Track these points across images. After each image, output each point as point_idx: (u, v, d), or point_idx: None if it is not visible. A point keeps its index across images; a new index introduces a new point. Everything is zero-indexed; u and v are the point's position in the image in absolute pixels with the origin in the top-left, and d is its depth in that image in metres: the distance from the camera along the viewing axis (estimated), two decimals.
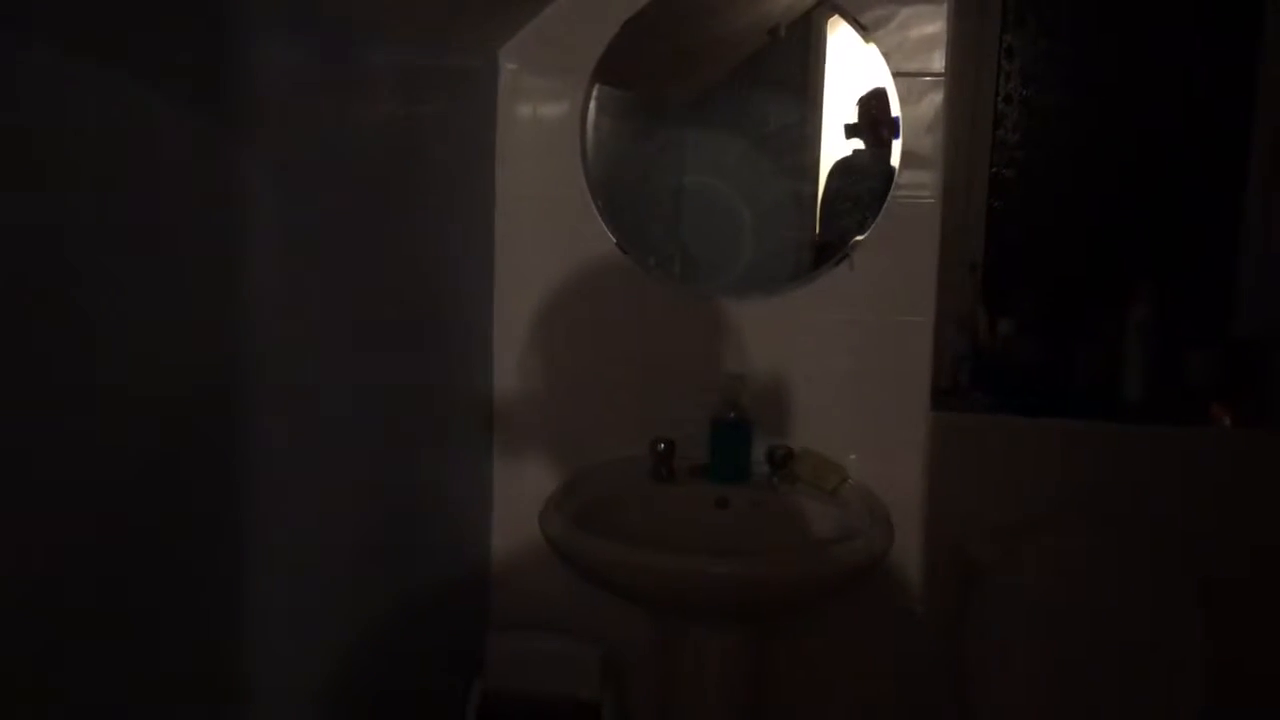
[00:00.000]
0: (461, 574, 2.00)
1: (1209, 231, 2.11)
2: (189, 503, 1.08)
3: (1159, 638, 1.88)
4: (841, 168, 1.98)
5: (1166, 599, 1.89)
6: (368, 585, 1.55)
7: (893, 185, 1.90)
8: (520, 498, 2.04)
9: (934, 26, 1.86)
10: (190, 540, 1.09)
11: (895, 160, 1.90)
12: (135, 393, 0.98)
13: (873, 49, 1.88)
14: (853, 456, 1.95)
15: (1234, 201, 2.07)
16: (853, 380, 1.96)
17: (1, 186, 0.79)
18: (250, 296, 1.18)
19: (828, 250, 1.96)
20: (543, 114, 1.99)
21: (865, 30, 1.87)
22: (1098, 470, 1.97)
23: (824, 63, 1.97)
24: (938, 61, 1.87)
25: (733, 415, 1.92)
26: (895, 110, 1.89)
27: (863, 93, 1.94)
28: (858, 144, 1.97)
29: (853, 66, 1.93)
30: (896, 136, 1.90)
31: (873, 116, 1.95)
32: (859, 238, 1.92)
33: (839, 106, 1.97)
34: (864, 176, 1.95)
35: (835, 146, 1.99)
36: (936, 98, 1.88)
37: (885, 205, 1.90)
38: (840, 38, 1.93)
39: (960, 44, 1.91)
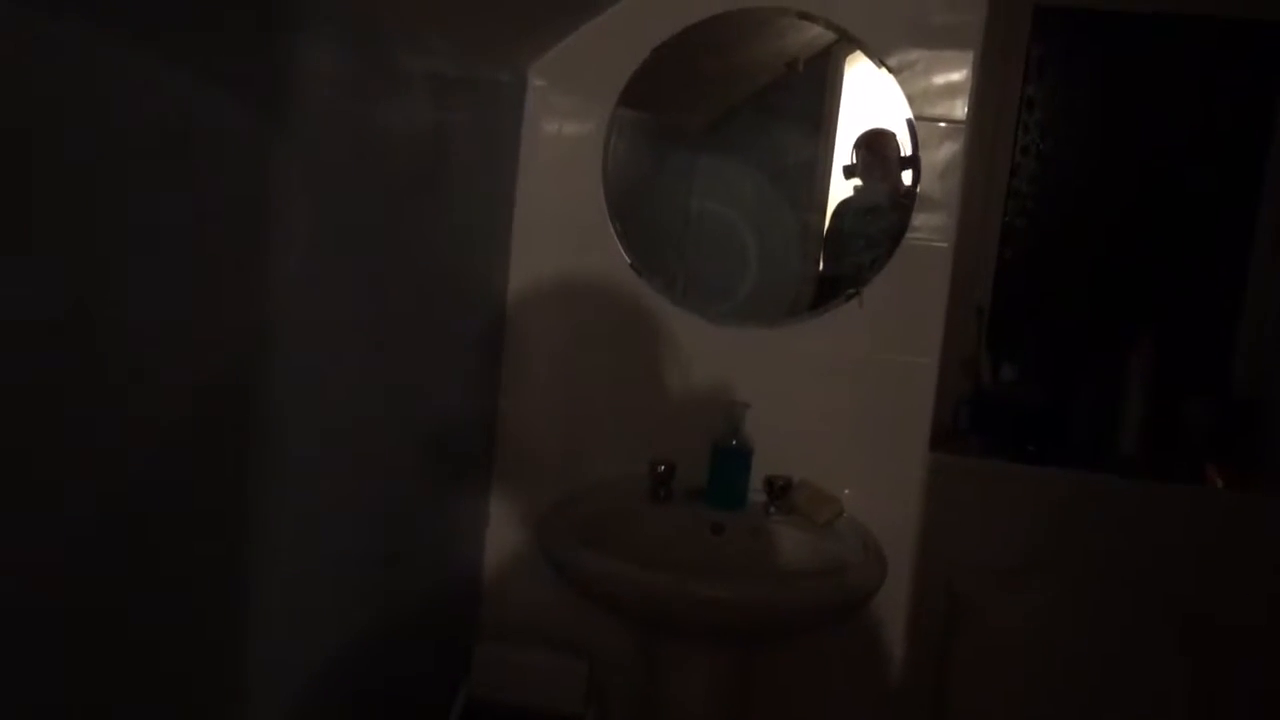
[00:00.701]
0: (454, 582, 2.01)
1: (1213, 293, 2.14)
2: (189, 502, 1.09)
3: (1141, 690, 1.91)
4: (856, 205, 2.01)
5: (1149, 654, 1.91)
6: (362, 590, 1.56)
7: (908, 227, 1.92)
8: (517, 509, 2.06)
9: (958, 74, 1.88)
10: (189, 541, 1.10)
11: (902, 198, 1.92)
12: (146, 391, 0.99)
13: (888, 87, 1.91)
14: (848, 491, 1.97)
15: (1239, 265, 2.10)
16: (854, 415, 1.98)
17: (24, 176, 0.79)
18: (270, 296, 1.20)
19: (837, 285, 1.99)
20: (567, 132, 2.02)
21: (893, 72, 1.89)
22: (1089, 521, 1.99)
23: (839, 99, 2.00)
24: (960, 109, 1.89)
25: (734, 442, 1.94)
26: (905, 149, 1.92)
27: (859, 135, 1.97)
28: (856, 183, 1.99)
29: (868, 104, 1.96)
30: (905, 174, 1.92)
31: (870, 157, 1.97)
32: (871, 276, 1.94)
33: (852, 143, 2.00)
34: (877, 216, 1.97)
35: (846, 182, 2.02)
36: (955, 144, 1.90)
37: (900, 246, 1.92)
38: (857, 75, 1.96)
39: (982, 93, 1.94)
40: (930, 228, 1.93)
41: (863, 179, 1.99)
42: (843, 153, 2.00)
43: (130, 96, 0.90)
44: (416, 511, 1.76)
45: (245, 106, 1.10)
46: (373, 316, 1.48)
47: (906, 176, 1.93)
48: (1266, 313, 2.07)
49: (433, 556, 1.88)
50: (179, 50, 0.96)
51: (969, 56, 1.88)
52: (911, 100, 1.90)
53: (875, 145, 1.97)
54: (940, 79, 1.89)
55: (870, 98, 1.95)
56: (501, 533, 2.10)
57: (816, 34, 1.94)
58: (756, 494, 1.95)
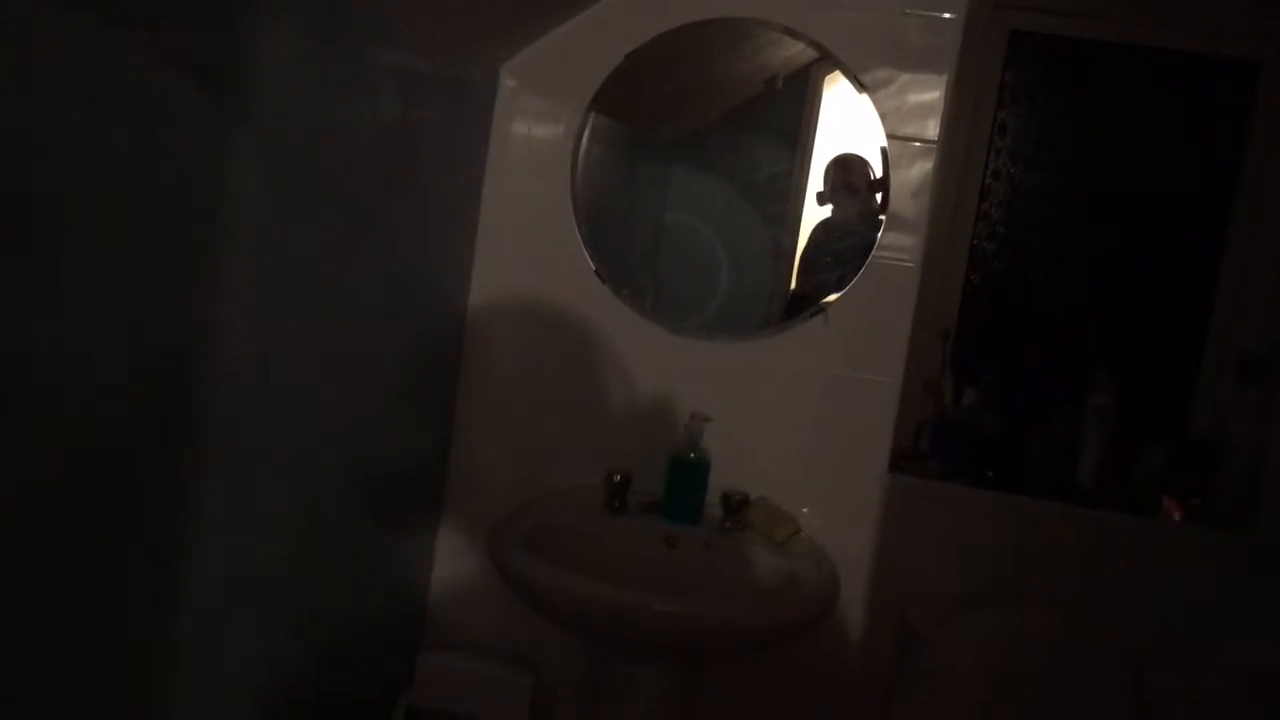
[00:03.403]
0: (401, 594, 1.97)
1: (1175, 330, 2.14)
2: (131, 503, 1.06)
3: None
4: (825, 223, 1.99)
5: (1099, 684, 1.90)
6: (304, 596, 1.52)
7: (875, 246, 1.91)
8: (471, 519, 2.03)
9: (932, 94, 1.88)
10: (129, 542, 1.07)
11: (874, 218, 1.91)
12: (77, 389, 0.95)
13: (864, 110, 1.90)
14: (805, 510, 1.95)
15: (1203, 304, 2.11)
16: (815, 433, 1.96)
17: None
18: (223, 292, 1.17)
19: (803, 301, 1.97)
20: (537, 134, 1.99)
21: (866, 90, 1.88)
22: (1044, 549, 1.98)
23: (817, 118, 1.99)
24: (932, 128, 1.89)
25: (692, 455, 1.91)
26: (876, 173, 1.91)
27: (830, 160, 1.96)
28: (828, 210, 1.98)
29: (844, 125, 1.94)
30: (876, 195, 1.91)
31: (841, 183, 1.96)
32: (836, 294, 1.92)
33: (824, 168, 1.99)
34: (846, 234, 1.96)
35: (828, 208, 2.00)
36: (927, 164, 1.90)
37: (866, 265, 1.91)
38: (835, 96, 1.95)
39: (955, 115, 1.94)
40: (898, 247, 1.91)
41: (834, 204, 1.98)
42: (818, 173, 1.98)
43: (83, 78, 0.87)
44: (362, 521, 1.71)
45: (203, 92, 1.06)
46: (326, 318, 1.45)
47: (879, 199, 1.92)
48: (1226, 354, 2.08)
49: (379, 566, 1.84)
50: (137, 33, 0.93)
51: (943, 78, 1.88)
52: (885, 118, 1.89)
53: (846, 171, 1.96)
54: (914, 98, 1.89)
55: (846, 119, 1.94)
56: (454, 543, 2.06)
57: (796, 52, 1.93)
58: (713, 509, 1.93)
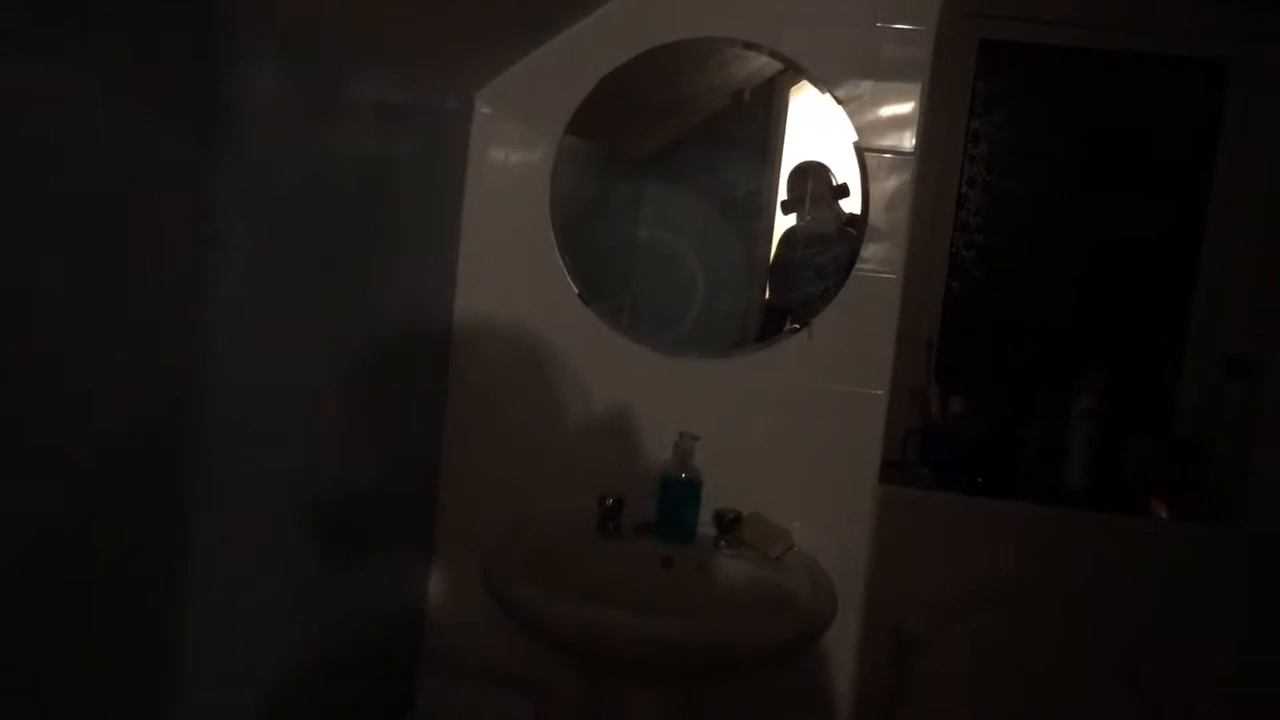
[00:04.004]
0: (397, 619, 1.96)
1: (1158, 329, 2.16)
2: (122, 540, 1.06)
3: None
4: (804, 235, 2.00)
5: (1098, 683, 1.91)
6: (300, 627, 1.51)
7: (857, 258, 1.91)
8: (463, 543, 2.02)
9: (906, 106, 1.89)
10: (121, 580, 1.06)
11: (843, 226, 1.92)
12: (87, 416, 0.96)
13: (833, 116, 1.90)
14: (798, 524, 1.95)
15: (1184, 303, 2.13)
16: (804, 447, 1.96)
17: None
18: (212, 330, 1.17)
19: (787, 316, 1.97)
20: (514, 160, 1.99)
21: (841, 103, 1.89)
22: (1037, 552, 1.99)
23: (784, 129, 1.99)
24: (907, 140, 1.90)
25: (683, 474, 1.91)
26: (837, 179, 1.92)
27: (792, 169, 1.97)
28: (793, 219, 1.99)
29: (814, 134, 1.95)
30: (842, 202, 1.92)
31: (803, 190, 1.97)
32: (822, 307, 1.93)
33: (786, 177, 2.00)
34: (826, 247, 1.96)
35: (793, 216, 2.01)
36: (903, 176, 1.90)
37: (849, 278, 1.92)
38: (803, 104, 1.95)
39: (929, 125, 1.95)
40: (879, 259, 1.92)
41: (798, 212, 1.99)
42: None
43: (67, 126, 0.87)
44: (358, 548, 1.71)
45: (184, 136, 1.06)
46: (313, 351, 1.44)
47: (844, 205, 1.93)
48: (1209, 352, 2.10)
49: (374, 593, 1.83)
50: (115, 79, 0.93)
51: (917, 89, 1.89)
52: (860, 131, 1.90)
53: (807, 179, 1.97)
54: (888, 111, 1.90)
55: (816, 127, 1.94)
56: (448, 568, 2.05)
57: (763, 64, 1.94)
58: (706, 527, 1.93)
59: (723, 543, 1.90)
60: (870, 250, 1.92)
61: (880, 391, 1.93)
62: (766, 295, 2.04)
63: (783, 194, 1.98)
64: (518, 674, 2.01)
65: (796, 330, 1.94)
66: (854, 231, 1.92)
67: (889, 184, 1.91)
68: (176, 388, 1.12)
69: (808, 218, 1.98)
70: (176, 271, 1.09)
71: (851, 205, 1.93)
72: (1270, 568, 1.93)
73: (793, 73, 1.92)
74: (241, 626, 1.33)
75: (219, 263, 1.16)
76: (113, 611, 1.05)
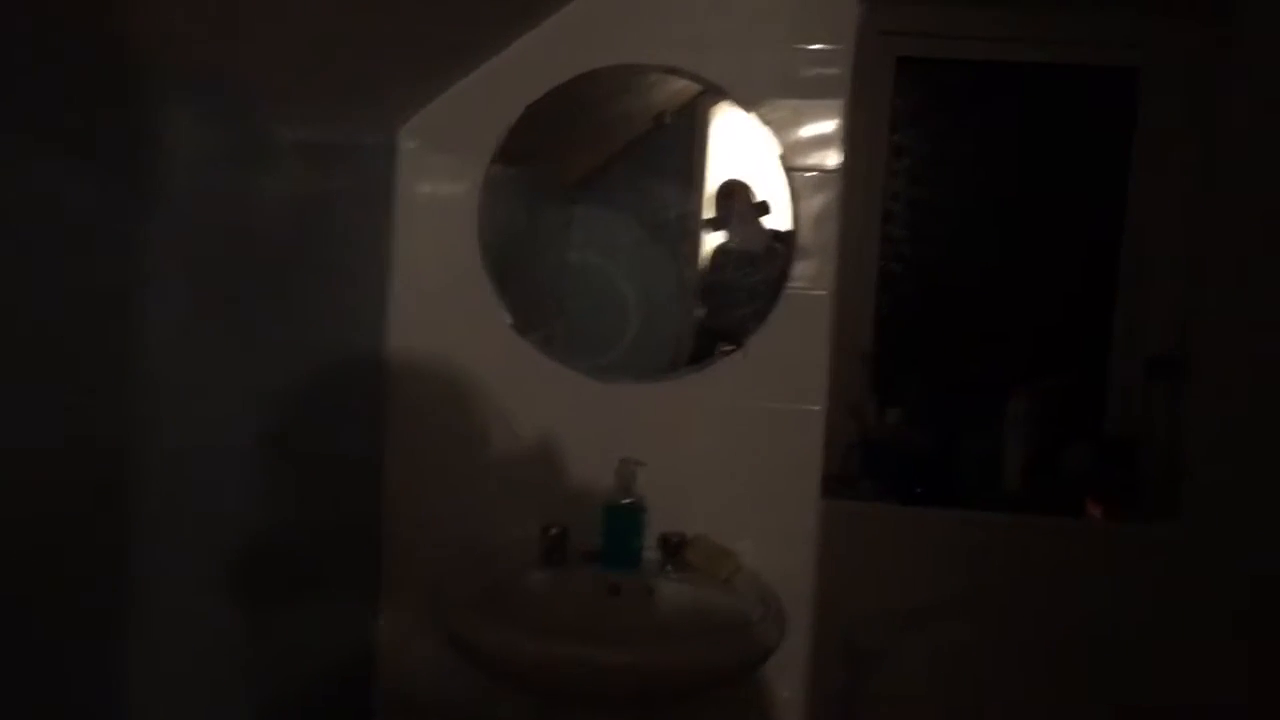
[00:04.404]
0: (348, 662, 1.92)
1: (1086, 333, 2.20)
2: (59, 595, 1.03)
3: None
4: (735, 255, 2.01)
5: (1043, 685, 1.93)
6: (247, 683, 1.48)
7: (788, 277, 1.93)
8: (410, 580, 1.99)
9: (829, 125, 1.91)
10: (58, 640, 1.03)
11: (770, 242, 1.94)
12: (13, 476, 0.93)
13: (756, 134, 1.92)
14: (743, 543, 1.95)
15: (1108, 306, 2.18)
16: (746, 467, 1.96)
17: None
18: (144, 380, 1.14)
19: (722, 337, 1.98)
20: (441, 192, 1.98)
21: (766, 124, 1.91)
22: (979, 559, 2.01)
23: (706, 149, 2.00)
24: (832, 159, 1.92)
25: (626, 500, 1.90)
26: (758, 196, 1.94)
27: (716, 188, 1.98)
28: (721, 237, 2.01)
29: (738, 153, 1.96)
30: (765, 219, 1.94)
31: (727, 208, 1.99)
32: (755, 326, 1.94)
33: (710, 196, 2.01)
34: (758, 266, 1.97)
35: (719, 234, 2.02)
36: (830, 193, 1.92)
37: (781, 296, 1.93)
38: (724, 124, 1.97)
39: (853, 142, 1.97)
40: (809, 276, 1.94)
41: (724, 231, 2.00)
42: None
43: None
44: (300, 597, 1.67)
45: (104, 186, 1.04)
46: (245, 397, 1.42)
47: (767, 221, 1.94)
48: (1134, 355, 2.15)
49: (322, 641, 1.79)
50: (29, 134, 0.91)
51: (839, 106, 1.91)
52: (785, 151, 1.92)
53: (729, 197, 1.99)
54: (811, 130, 1.92)
55: (741, 147, 1.95)
56: (396, 609, 2.02)
57: (683, 85, 1.95)
58: (652, 552, 1.92)
59: (669, 567, 1.89)
60: (800, 268, 1.93)
61: (818, 407, 1.95)
62: (700, 316, 2.05)
63: (708, 213, 2.00)
64: (475, 711, 1.98)
65: (730, 351, 1.95)
66: (781, 247, 1.93)
67: (816, 202, 1.93)
68: (113, 439, 1.10)
69: (736, 238, 2.00)
70: (101, 324, 1.07)
71: (779, 223, 1.94)
72: (1201, 562, 1.97)
73: (713, 94, 1.94)
74: (183, 693, 1.29)
75: (142, 313, 1.14)
76: (46, 682, 1.02)
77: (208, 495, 1.32)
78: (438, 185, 1.98)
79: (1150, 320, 2.13)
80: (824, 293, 1.94)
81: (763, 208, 1.94)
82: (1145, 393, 2.11)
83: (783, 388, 1.95)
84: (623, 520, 1.90)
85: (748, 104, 1.92)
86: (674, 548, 1.89)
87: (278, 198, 1.48)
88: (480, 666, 1.73)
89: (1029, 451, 2.06)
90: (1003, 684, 1.95)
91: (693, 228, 2.03)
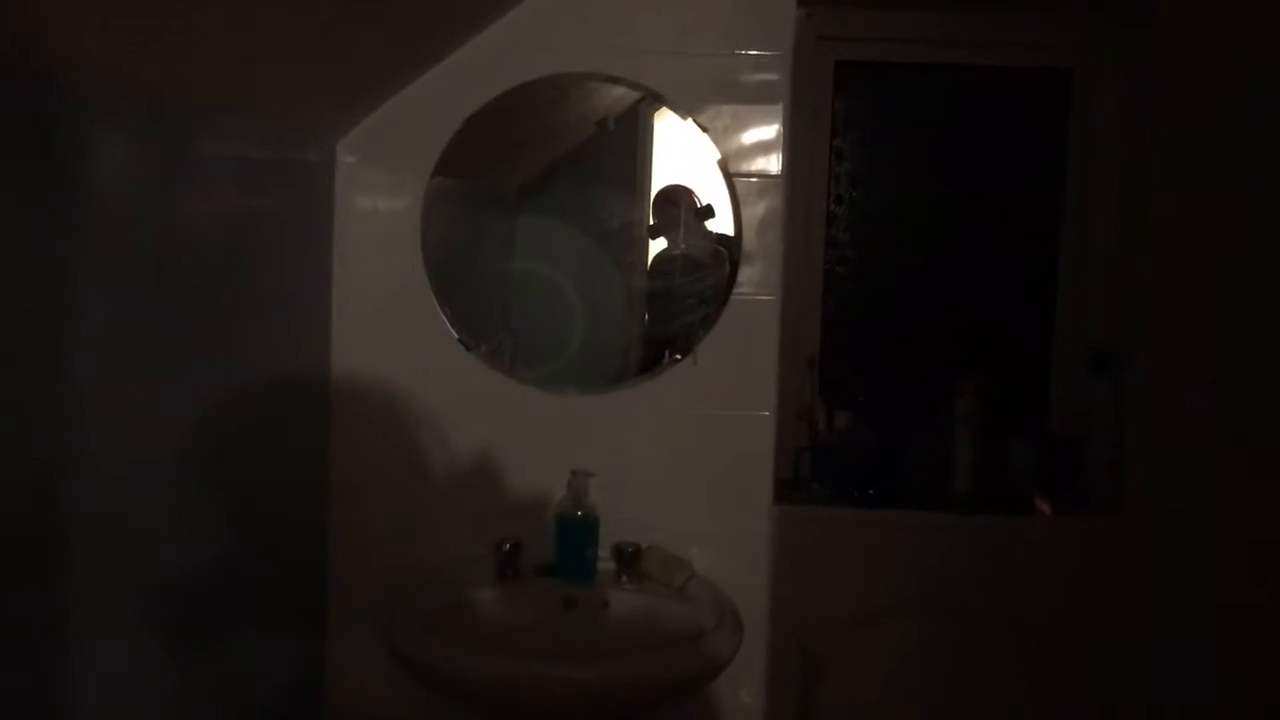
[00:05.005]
0: (295, 692, 1.88)
1: (1028, 331, 2.23)
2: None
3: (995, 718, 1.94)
4: (681, 264, 2.01)
5: (1001, 680, 1.95)
6: (188, 699, 1.44)
7: (735, 283, 1.93)
8: (358, 603, 1.96)
9: (769, 130, 1.91)
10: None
11: (714, 248, 1.94)
12: None
13: (698, 140, 1.92)
14: (696, 550, 1.94)
15: (1049, 303, 2.20)
16: (697, 474, 1.96)
17: None
18: (73, 409, 1.11)
19: (670, 345, 1.97)
20: (382, 207, 1.95)
21: (705, 130, 1.91)
22: (931, 559, 2.03)
23: (650, 155, 2.00)
24: (774, 164, 1.92)
25: (578, 512, 1.89)
26: (701, 201, 1.95)
27: (655, 193, 1.99)
28: (663, 243, 2.01)
29: (680, 159, 1.96)
30: (709, 223, 1.95)
31: (668, 214, 1.99)
32: (704, 333, 1.94)
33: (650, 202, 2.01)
34: (705, 273, 1.97)
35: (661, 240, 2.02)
36: (773, 199, 1.93)
37: (728, 302, 1.93)
38: (666, 129, 1.97)
39: (794, 147, 1.98)
40: (755, 282, 1.94)
41: (666, 236, 2.00)
42: None
43: None
44: (244, 629, 1.63)
45: (26, 209, 1.01)
46: (182, 422, 1.38)
47: (712, 225, 1.95)
48: (1076, 353, 2.17)
49: (267, 672, 1.75)
50: None
51: (779, 111, 1.91)
52: (727, 157, 1.92)
53: (671, 202, 1.99)
54: (752, 136, 1.92)
55: (682, 151, 1.95)
56: (344, 634, 1.98)
57: (624, 92, 1.94)
58: (606, 563, 1.91)
59: (624, 577, 1.88)
60: (747, 274, 1.94)
61: (767, 413, 1.95)
62: (654, 327, 2.04)
63: (650, 219, 1.99)
64: None
65: (679, 360, 1.95)
66: (725, 252, 1.94)
67: (759, 207, 1.93)
68: (33, 479, 1.06)
69: (681, 245, 2.00)
70: (23, 350, 1.03)
71: (723, 228, 1.95)
72: (1145, 554, 2.00)
73: (654, 100, 1.93)
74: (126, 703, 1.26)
75: (67, 338, 1.11)
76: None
77: (140, 521, 1.28)
78: (378, 200, 1.95)
79: (1089, 315, 2.16)
80: (771, 298, 1.94)
81: (707, 211, 1.94)
82: (1088, 386, 2.14)
83: (732, 394, 1.95)
84: (576, 532, 1.89)
85: (688, 110, 1.92)
86: (628, 557, 1.89)
87: (210, 215, 1.44)
88: (433, 687, 1.71)
89: (977, 450, 2.07)
90: (958, 684, 1.96)
91: (639, 235, 2.03)
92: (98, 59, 1.10)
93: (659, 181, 2.00)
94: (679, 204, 1.98)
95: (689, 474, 1.96)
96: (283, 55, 1.44)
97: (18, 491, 1.04)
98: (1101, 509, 2.05)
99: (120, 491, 1.23)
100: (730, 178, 1.92)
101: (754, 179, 1.93)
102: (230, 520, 1.55)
